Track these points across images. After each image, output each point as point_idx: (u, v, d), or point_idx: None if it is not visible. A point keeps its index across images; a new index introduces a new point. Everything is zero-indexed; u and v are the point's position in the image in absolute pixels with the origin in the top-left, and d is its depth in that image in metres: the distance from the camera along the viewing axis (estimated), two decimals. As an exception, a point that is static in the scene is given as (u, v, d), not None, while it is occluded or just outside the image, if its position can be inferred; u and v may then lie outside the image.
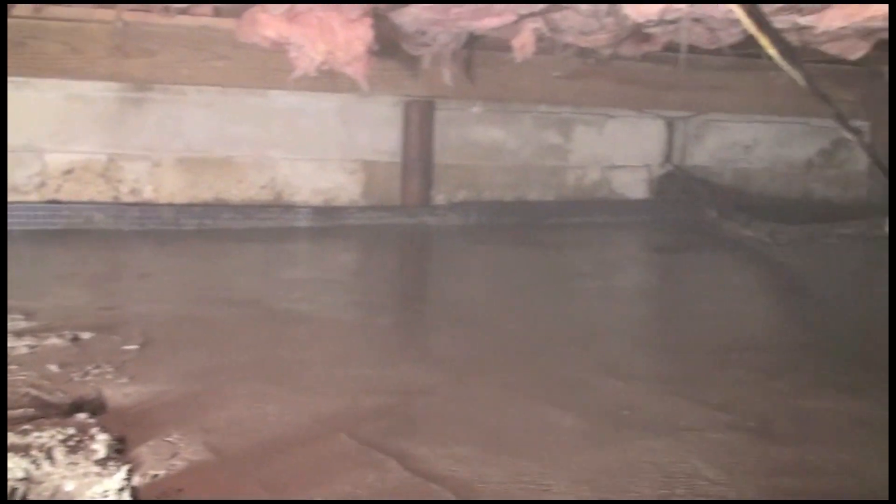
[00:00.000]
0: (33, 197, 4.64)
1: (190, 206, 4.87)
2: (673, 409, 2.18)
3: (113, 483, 1.55)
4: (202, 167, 4.97)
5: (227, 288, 3.55)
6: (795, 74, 2.63)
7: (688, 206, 5.49)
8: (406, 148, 5.27)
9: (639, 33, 4.48)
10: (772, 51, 2.53)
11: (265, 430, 1.98)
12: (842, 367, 2.69)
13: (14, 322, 2.74)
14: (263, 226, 4.93)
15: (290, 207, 5.05)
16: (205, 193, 4.98)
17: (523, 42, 4.36)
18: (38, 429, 1.86)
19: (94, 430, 1.89)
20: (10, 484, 1.59)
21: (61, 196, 4.69)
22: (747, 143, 5.99)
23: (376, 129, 5.26)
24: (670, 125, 5.80)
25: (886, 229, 3.32)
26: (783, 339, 3.07)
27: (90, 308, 3.03)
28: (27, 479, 1.63)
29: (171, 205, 4.86)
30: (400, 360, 2.63)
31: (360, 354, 2.68)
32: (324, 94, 5.00)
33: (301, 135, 5.13)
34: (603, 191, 5.74)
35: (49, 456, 1.72)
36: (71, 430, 1.86)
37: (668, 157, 5.81)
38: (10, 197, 4.54)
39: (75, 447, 1.79)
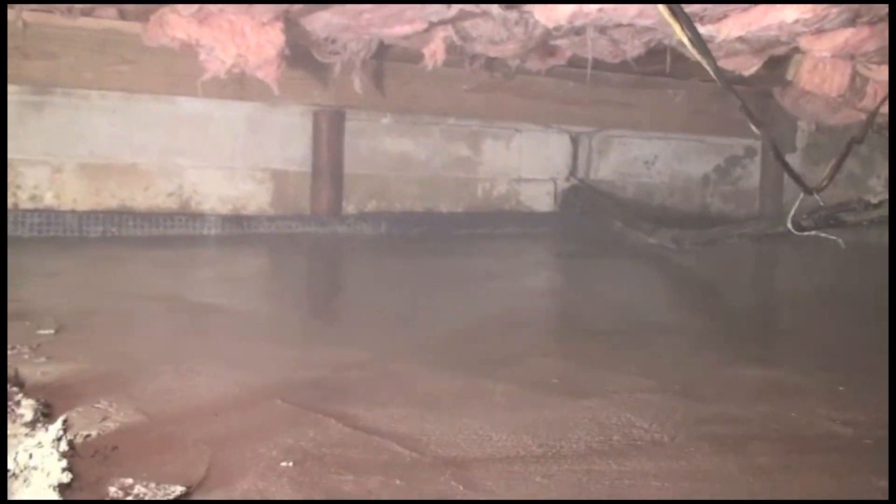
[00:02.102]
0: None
1: (94, 212, 4.74)
2: (600, 378, 2.23)
3: (48, 435, 1.49)
4: (106, 173, 4.85)
5: (138, 285, 3.47)
6: (704, 62, 2.75)
7: (593, 218, 5.64)
8: (316, 157, 5.26)
9: (545, 46, 4.60)
10: (683, 37, 2.64)
11: (196, 399, 1.95)
12: (751, 345, 2.81)
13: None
14: (171, 234, 4.84)
15: (198, 215, 4.97)
16: (109, 201, 4.86)
17: (434, 49, 4.42)
18: (-44, 396, 1.78)
19: (18, 397, 1.83)
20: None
21: (-44, 200, 4.51)
22: (647, 159, 6.21)
23: (286, 138, 5.24)
24: (575, 140, 5.96)
25: (786, 225, 3.49)
26: (694, 325, 3.18)
27: None
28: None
29: (73, 212, 4.72)
30: (325, 343, 2.61)
31: (283, 339, 2.66)
32: (232, 102, 4.97)
33: (209, 142, 5.07)
34: (511, 203, 5.84)
35: (-30, 419, 1.65)
36: (-7, 397, 1.79)
37: (573, 171, 5.97)
38: None
39: (0, 412, 1.73)
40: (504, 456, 1.62)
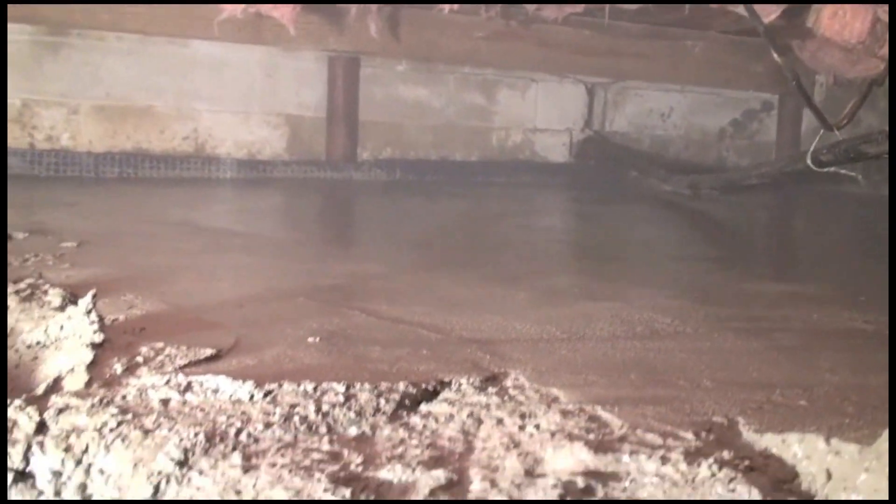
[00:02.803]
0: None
1: (110, 153, 4.75)
2: (620, 289, 2.24)
3: (78, 308, 1.50)
4: (122, 116, 4.86)
5: (156, 213, 3.49)
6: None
7: (608, 169, 5.62)
8: (331, 103, 5.26)
9: (563, -9, 4.58)
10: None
11: (220, 295, 1.96)
12: (770, 269, 2.82)
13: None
14: (186, 176, 4.86)
15: (213, 159, 4.98)
16: (125, 143, 4.87)
17: (451, -9, 4.41)
18: (-14, 283, 1.79)
19: (45, 287, 1.84)
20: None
21: (-28, 138, 4.52)
22: (663, 111, 6.18)
23: (301, 84, 5.23)
24: (591, 91, 5.94)
25: (806, 161, 3.47)
26: (711, 255, 3.18)
27: (20, 223, 2.92)
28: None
29: (90, 153, 4.73)
30: (342, 260, 2.63)
31: (301, 257, 2.67)
32: (247, 47, 4.96)
33: (224, 86, 5.06)
34: (525, 153, 5.83)
35: None
36: (22, 285, 1.81)
37: (588, 123, 5.95)
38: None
39: (28, 297, 1.74)
40: (529, 339, 1.63)
